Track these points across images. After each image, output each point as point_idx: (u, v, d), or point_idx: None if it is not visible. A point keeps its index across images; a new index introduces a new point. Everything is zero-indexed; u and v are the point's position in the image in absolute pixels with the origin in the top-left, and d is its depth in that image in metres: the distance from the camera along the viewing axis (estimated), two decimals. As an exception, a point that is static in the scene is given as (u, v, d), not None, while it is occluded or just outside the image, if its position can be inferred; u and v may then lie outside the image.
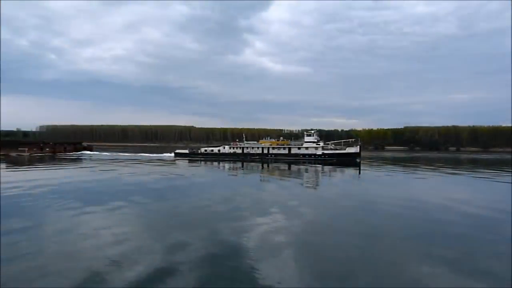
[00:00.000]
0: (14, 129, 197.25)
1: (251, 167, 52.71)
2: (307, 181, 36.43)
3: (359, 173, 46.65)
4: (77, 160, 63.76)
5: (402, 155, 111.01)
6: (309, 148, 67.06)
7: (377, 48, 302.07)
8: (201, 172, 46.45)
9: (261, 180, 37.28)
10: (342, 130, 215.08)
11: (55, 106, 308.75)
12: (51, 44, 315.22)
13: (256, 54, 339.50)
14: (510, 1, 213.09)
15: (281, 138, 76.70)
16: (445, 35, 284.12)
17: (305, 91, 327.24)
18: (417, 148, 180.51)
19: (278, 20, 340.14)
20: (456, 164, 69.44)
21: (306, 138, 68.62)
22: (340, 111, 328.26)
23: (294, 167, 52.64)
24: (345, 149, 66.55)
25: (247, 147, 71.97)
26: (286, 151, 68.94)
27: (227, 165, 56.31)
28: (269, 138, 77.92)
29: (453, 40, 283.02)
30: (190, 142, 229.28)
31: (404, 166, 59.91)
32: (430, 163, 68.88)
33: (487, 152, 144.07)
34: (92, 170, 44.32)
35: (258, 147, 71.40)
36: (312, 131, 70.40)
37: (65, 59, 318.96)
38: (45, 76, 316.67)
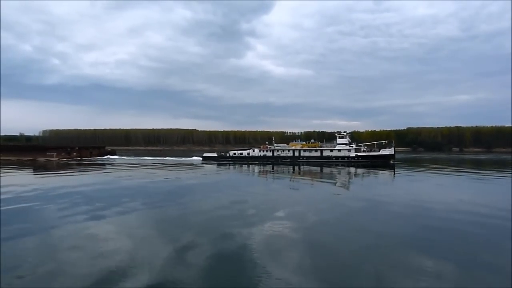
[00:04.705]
0: (17, 133, 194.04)
1: (282, 171, 52.87)
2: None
3: (394, 175, 47.29)
4: (105, 164, 63.15)
5: (409, 155, 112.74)
6: (341, 151, 67.59)
7: (378, 50, 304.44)
8: (250, 178, 46.68)
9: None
10: (345, 132, 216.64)
11: (58, 111, 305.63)
12: (54, 49, 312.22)
13: (258, 57, 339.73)
14: (510, 2, 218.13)
15: (312, 140, 76.95)
16: (446, 36, 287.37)
17: (307, 93, 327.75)
18: (420, 149, 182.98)
19: (279, 23, 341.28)
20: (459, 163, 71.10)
21: (339, 140, 68.94)
22: (342, 113, 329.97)
23: (335, 170, 53.32)
24: (378, 151, 67.27)
25: (277, 150, 72.24)
26: (318, 154, 69.35)
27: (257, 168, 56.35)
28: (299, 141, 78.23)
29: (454, 41, 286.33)
30: (193, 146, 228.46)
31: (428, 168, 60.98)
32: (454, 164, 70.35)
33: (491, 153, 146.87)
34: (130, 175, 44.04)
35: (288, 150, 71.67)
36: (345, 133, 70.77)
37: (69, 64, 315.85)
38: (48, 81, 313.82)
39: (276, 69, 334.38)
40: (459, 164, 69.67)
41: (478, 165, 68.59)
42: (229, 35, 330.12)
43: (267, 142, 76.05)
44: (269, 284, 10.00)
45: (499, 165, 67.15)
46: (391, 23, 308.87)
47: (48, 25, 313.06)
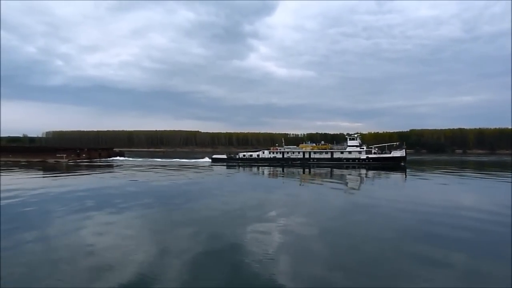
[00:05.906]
0: (20, 135, 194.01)
1: (293, 172, 52.75)
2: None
3: (405, 177, 47.29)
4: (115, 166, 63.09)
5: (412, 157, 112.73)
6: (352, 152, 67.60)
7: (381, 51, 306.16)
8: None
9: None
10: (347, 134, 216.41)
11: (61, 112, 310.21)
12: (58, 50, 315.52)
13: (261, 59, 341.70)
14: (511, 2, 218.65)
15: (322, 142, 77.02)
16: (449, 38, 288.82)
17: (310, 94, 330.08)
18: (423, 151, 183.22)
19: (282, 25, 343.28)
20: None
21: (349, 142, 68.86)
22: (345, 115, 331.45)
23: (347, 172, 53.42)
24: (390, 153, 67.31)
25: (287, 152, 72.28)
26: (328, 156, 69.39)
27: (267, 170, 56.39)
28: (309, 142, 78.24)
29: (457, 42, 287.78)
30: (196, 147, 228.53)
31: (440, 169, 61.12)
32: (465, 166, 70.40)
33: (494, 155, 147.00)
34: (147, 176, 43.82)
35: (299, 152, 71.69)
36: (355, 135, 70.77)
37: (72, 65, 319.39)
38: (52, 82, 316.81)
39: (278, 70, 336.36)
40: (467, 166, 69.86)
41: (487, 166, 68.71)
42: (232, 36, 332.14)
43: (277, 144, 76.10)
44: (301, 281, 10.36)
45: (503, 167, 67.27)
46: (394, 25, 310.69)
47: (51, 27, 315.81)
